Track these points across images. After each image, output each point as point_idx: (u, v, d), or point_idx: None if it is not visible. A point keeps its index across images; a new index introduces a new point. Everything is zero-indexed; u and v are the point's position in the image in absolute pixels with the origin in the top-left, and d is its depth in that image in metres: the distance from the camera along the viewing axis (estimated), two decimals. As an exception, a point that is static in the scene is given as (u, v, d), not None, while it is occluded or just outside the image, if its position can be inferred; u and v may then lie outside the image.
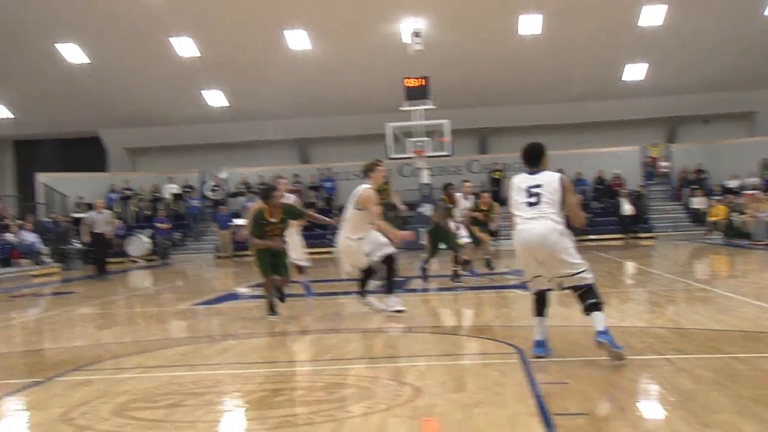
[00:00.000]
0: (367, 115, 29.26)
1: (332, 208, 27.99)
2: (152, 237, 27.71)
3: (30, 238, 22.92)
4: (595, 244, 23.97)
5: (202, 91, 31.06)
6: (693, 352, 6.40)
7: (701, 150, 29.54)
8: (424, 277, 13.30)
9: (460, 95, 28.79)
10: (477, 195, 15.69)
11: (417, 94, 26.11)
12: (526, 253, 6.06)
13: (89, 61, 28.85)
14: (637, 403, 5.03)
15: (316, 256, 22.03)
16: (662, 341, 6.89)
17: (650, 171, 29.99)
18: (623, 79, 30.14)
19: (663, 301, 10.29)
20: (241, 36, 27.48)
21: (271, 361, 7.22)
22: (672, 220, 28.03)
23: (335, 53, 28.23)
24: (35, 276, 21.07)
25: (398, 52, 27.18)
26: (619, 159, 29.60)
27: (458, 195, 13.93)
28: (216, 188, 30.84)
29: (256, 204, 11.17)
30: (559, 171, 6.61)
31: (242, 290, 13.02)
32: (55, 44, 28.42)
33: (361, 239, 8.97)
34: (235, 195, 30.15)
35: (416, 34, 26.52)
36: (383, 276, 9.30)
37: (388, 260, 9.05)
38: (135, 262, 26.36)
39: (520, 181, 6.17)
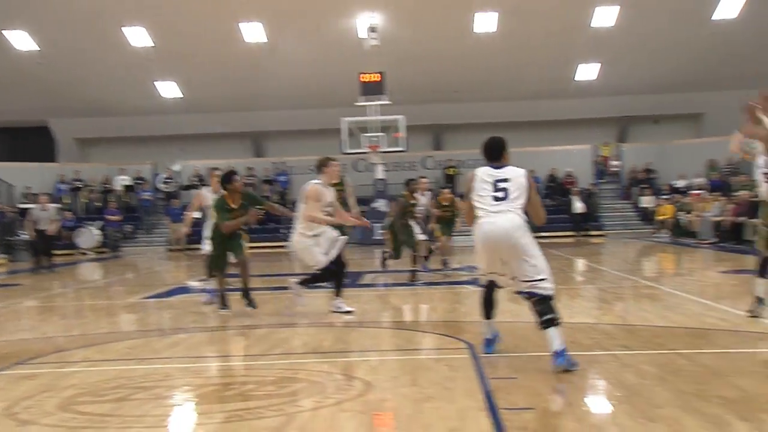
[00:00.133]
0: (323, 109, 29.18)
1: (286, 202, 27.81)
2: (102, 229, 27.29)
3: (-25, 228, 22.38)
4: (546, 241, 24.19)
5: (155, 82, 30.64)
6: (638, 348, 6.54)
7: (651, 150, 30.07)
8: (384, 270, 13.51)
9: (416, 91, 28.87)
10: (436, 192, 15.68)
11: (372, 89, 26.12)
12: (488, 248, 5.83)
13: (38, 49, 28.25)
14: (583, 398, 5.11)
15: (270, 251, 21.95)
16: (609, 337, 7.02)
17: (601, 170, 30.44)
18: (576, 78, 30.53)
19: (611, 298, 10.47)
20: (196, 27, 27.17)
21: (222, 355, 7.18)
22: (622, 218, 28.50)
23: (291, 47, 28.08)
24: (-20, 267, 20.58)
25: (354, 47, 27.16)
26: (572, 157, 29.99)
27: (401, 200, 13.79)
28: (169, 180, 30.46)
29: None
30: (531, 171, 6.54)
31: (194, 284, 12.88)
32: (3, 31, 27.77)
33: (316, 236, 8.78)
34: (188, 188, 29.81)
35: (372, 30, 26.52)
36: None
37: (338, 262, 8.92)
38: (84, 254, 25.93)
39: (484, 174, 5.91)
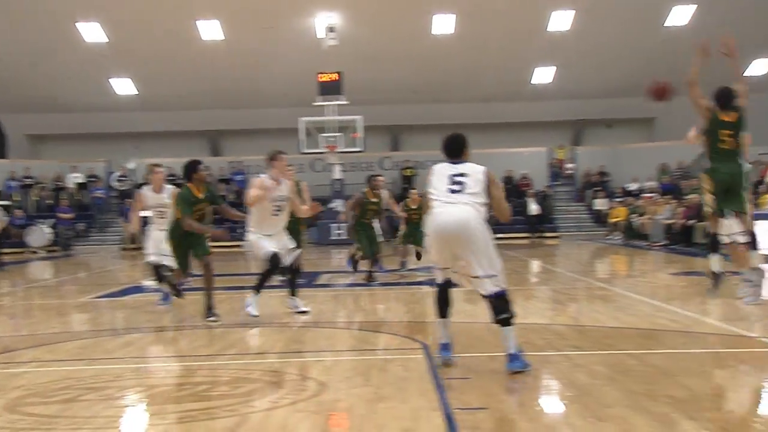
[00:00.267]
0: (280, 108, 29.07)
1: (243, 201, 27.68)
2: (54, 227, 26.82)
3: None
4: (501, 242, 24.39)
5: (109, 79, 30.20)
6: (590, 348, 6.63)
7: (604, 153, 30.54)
8: (355, 270, 13.38)
9: (374, 92, 28.91)
10: (396, 193, 15.54)
11: (330, 89, 26.10)
12: (440, 240, 5.66)
13: (-11, 43, 27.69)
14: (536, 398, 5.17)
15: (225, 250, 21.79)
16: (562, 338, 7.11)
17: (556, 172, 30.82)
18: (532, 81, 30.85)
19: (565, 299, 10.60)
20: (152, 24, 26.85)
21: (176, 355, 7.11)
22: (575, 220, 28.90)
23: (249, 45, 27.92)
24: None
25: (312, 46, 27.09)
26: (527, 160, 30.30)
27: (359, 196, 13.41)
28: (123, 179, 30.04)
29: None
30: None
31: (148, 283, 12.72)
32: (-47, 24, 27.17)
33: (269, 235, 8.54)
34: (142, 186, 29.42)
35: (331, 29, 26.49)
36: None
37: (291, 267, 8.75)
38: (35, 253, 25.44)
39: (442, 169, 5.82)
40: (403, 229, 14.08)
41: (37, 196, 29.33)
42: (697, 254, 15.96)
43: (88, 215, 29.20)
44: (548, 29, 27.89)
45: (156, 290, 10.45)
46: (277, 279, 9.62)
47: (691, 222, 19.15)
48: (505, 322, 5.57)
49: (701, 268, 12.78)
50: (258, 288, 8.54)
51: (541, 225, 27.47)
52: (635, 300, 9.75)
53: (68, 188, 29.59)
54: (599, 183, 29.61)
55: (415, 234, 13.37)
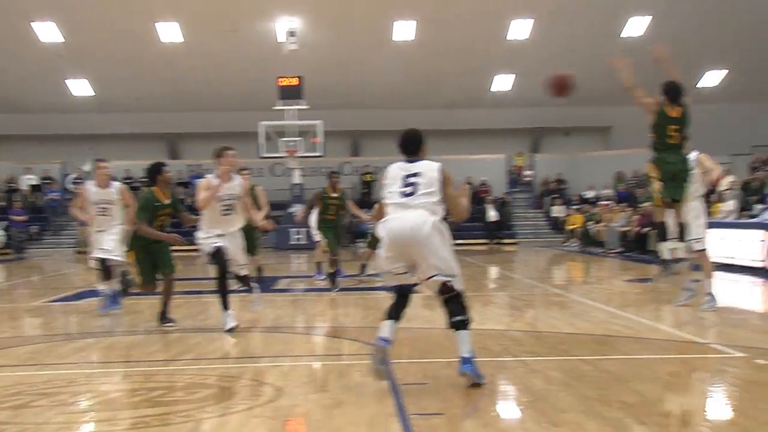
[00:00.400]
0: (240, 112, 28.91)
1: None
2: (6, 230, 26.30)
3: None
4: (460, 248, 24.55)
5: (66, 80, 29.74)
6: (546, 354, 6.71)
7: (562, 161, 30.92)
8: (338, 276, 12.41)
9: (334, 97, 28.89)
10: (356, 199, 15.47)
11: (291, 93, 26.05)
12: (396, 246, 5.45)
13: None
14: (492, 404, 5.21)
15: (182, 254, 21.56)
16: (518, 344, 7.18)
17: (515, 179, 31.11)
18: (492, 89, 31.11)
19: (522, 305, 10.70)
20: (109, 24, 26.49)
21: (130, 360, 7.01)
22: (533, 227, 29.18)
23: (209, 48, 27.70)
24: None
25: (273, 50, 26.99)
26: (486, 166, 30.53)
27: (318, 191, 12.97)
28: (78, 181, 29.47)
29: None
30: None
31: (102, 287, 12.53)
32: None
33: (221, 235, 8.11)
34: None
35: (291, 34, 26.42)
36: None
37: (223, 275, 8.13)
38: (-14, 255, 24.93)
39: (395, 170, 5.65)
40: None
41: (-12, 198, 28.76)
42: (651, 261, 16.21)
43: (42, 218, 28.70)
44: (508, 38, 28.15)
45: (111, 294, 10.18)
46: (235, 284, 9.50)
47: (645, 230, 19.45)
48: (461, 326, 5.41)
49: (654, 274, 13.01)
50: (224, 304, 8.07)
51: (500, 231, 27.68)
52: (590, 306, 9.88)
53: (22, 190, 29.06)
54: (557, 190, 29.95)
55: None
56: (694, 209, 9.07)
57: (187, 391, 5.53)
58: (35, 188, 29.40)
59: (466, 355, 5.37)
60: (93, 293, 12.20)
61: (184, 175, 29.95)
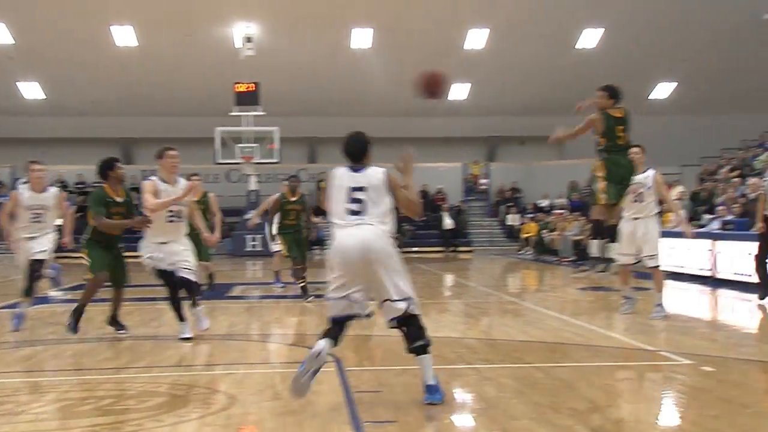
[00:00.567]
0: (196, 117, 28.64)
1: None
2: (-47, 235, 25.63)
3: None
4: (416, 256, 24.67)
5: (16, 82, 29.17)
6: (499, 361, 6.77)
7: (517, 170, 31.27)
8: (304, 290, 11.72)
9: (291, 103, 28.81)
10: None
11: (247, 99, 25.95)
12: (346, 267, 5.10)
13: None
14: (444, 411, 5.23)
15: (131, 260, 21.26)
16: (472, 351, 7.23)
17: (470, 187, 31.35)
18: (449, 98, 31.30)
19: (477, 313, 10.78)
20: (62, 26, 26.04)
21: (80, 368, 6.90)
22: (489, 235, 29.42)
23: (164, 52, 27.41)
24: None
25: (230, 55, 26.80)
26: (443, 174, 30.71)
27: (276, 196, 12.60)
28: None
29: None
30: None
31: (54, 293, 12.32)
32: None
33: (162, 243, 7.74)
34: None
35: (248, 39, 26.28)
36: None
37: (179, 284, 7.84)
38: (-69, 261, 24.28)
39: (341, 178, 5.25)
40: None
41: (-65, 202, 28.05)
42: (603, 270, 16.43)
43: (-10, 223, 28.05)
44: (465, 47, 28.37)
45: (65, 300, 9.93)
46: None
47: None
48: (421, 350, 5.14)
49: (607, 283, 13.22)
50: (179, 317, 7.88)
51: (455, 239, 27.83)
52: (544, 314, 9.99)
53: (-30, 194, 28.42)
54: (512, 199, 30.25)
55: None
56: (648, 226, 9.28)
57: (139, 399, 5.47)
58: (-16, 192, 28.77)
59: (432, 382, 5.12)
60: (43, 300, 12.00)
61: (138, 180, 29.53)
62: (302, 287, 11.60)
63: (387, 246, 5.12)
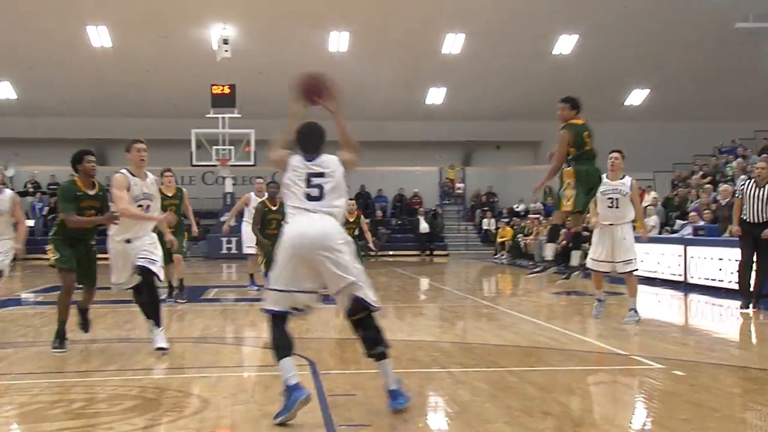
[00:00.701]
0: (172, 119, 28.48)
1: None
2: None
3: None
4: (392, 260, 24.71)
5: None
6: (473, 365, 6.78)
7: (492, 174, 31.44)
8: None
9: (267, 106, 28.67)
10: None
11: (224, 101, 25.86)
12: (298, 255, 4.89)
13: None
14: (419, 415, 5.23)
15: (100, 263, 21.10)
16: (447, 355, 7.25)
17: (446, 191, 31.45)
18: (426, 102, 31.39)
19: (452, 317, 10.81)
20: (35, 25, 25.75)
21: (51, 371, 6.82)
22: (464, 239, 29.53)
23: (140, 53, 27.19)
24: None
25: (206, 57, 26.65)
26: (419, 178, 30.80)
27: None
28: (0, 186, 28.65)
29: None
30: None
31: (26, 295, 12.19)
32: None
33: (128, 242, 7.36)
34: (23, 194, 28.21)
35: (225, 41, 26.16)
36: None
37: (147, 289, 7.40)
38: None
39: (299, 165, 5.15)
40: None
41: None
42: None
43: (-39, 223, 27.68)
44: (442, 51, 28.46)
45: (37, 303, 9.88)
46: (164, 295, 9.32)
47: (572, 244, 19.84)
48: (381, 356, 5.01)
49: (581, 288, 13.31)
50: (156, 321, 7.41)
51: (431, 243, 27.90)
52: (518, 318, 10.04)
53: (-60, 194, 27.99)
54: (487, 203, 30.40)
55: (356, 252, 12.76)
56: (624, 232, 9.38)
57: (111, 402, 5.42)
58: (-46, 193, 28.36)
59: (395, 387, 5.01)
60: (16, 302, 11.86)
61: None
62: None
63: (342, 237, 4.96)
